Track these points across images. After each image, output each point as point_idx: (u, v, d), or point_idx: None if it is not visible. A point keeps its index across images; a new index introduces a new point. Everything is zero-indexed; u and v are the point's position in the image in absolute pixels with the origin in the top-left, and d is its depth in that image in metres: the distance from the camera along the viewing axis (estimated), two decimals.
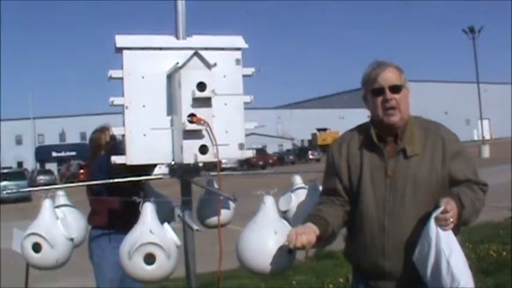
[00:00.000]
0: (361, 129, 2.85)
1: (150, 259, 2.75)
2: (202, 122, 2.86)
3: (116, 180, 4.41)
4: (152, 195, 3.90)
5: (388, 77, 2.70)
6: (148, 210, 2.90)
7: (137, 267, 2.76)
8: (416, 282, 2.60)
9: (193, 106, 2.87)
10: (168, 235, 2.88)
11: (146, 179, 3.57)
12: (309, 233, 2.60)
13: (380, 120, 2.72)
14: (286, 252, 2.73)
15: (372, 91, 2.74)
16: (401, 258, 2.63)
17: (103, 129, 5.10)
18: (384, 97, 2.69)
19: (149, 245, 2.75)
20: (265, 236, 2.76)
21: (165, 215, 3.17)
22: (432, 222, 2.47)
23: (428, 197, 2.63)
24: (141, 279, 2.86)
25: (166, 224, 2.94)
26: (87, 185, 4.52)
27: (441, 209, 2.45)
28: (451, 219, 2.47)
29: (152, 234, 2.78)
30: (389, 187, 2.67)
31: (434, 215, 2.47)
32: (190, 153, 2.90)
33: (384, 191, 2.67)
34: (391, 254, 2.65)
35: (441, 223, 2.46)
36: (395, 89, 2.70)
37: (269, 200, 2.91)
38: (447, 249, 2.45)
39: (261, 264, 2.74)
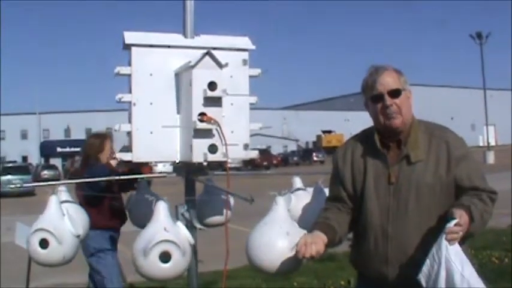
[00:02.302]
0: (365, 134, 2.81)
1: (165, 257, 2.74)
2: (212, 121, 2.86)
3: (120, 177, 4.43)
4: (145, 193, 3.92)
5: (386, 81, 2.63)
6: (161, 208, 2.89)
7: (153, 265, 2.74)
8: None
9: (204, 105, 2.87)
10: (182, 232, 2.88)
11: (150, 177, 3.58)
12: (318, 242, 2.56)
13: (382, 125, 2.67)
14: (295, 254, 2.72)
15: (371, 98, 2.68)
16: (405, 266, 2.59)
17: (103, 136, 5.11)
18: (384, 103, 2.63)
19: (165, 242, 2.74)
20: (277, 236, 2.74)
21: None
22: (444, 238, 2.37)
23: (432, 203, 2.59)
24: (157, 278, 2.84)
25: (179, 222, 2.94)
26: (89, 182, 4.53)
27: (455, 221, 2.35)
28: (460, 233, 2.38)
29: (167, 232, 2.78)
30: (393, 194, 2.62)
31: (447, 227, 2.36)
32: (199, 152, 2.89)
33: (388, 197, 2.63)
34: (394, 261, 2.61)
35: (451, 236, 2.35)
36: (395, 93, 2.63)
37: (281, 201, 2.90)
38: (459, 264, 2.36)
39: (272, 264, 2.71)
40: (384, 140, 2.70)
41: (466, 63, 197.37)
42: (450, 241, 2.36)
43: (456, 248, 2.39)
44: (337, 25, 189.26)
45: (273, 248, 2.71)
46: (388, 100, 2.62)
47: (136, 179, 4.01)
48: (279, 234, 2.74)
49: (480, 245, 8.69)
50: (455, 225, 2.36)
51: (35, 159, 71.45)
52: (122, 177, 4.38)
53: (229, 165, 3.00)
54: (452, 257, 2.37)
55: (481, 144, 77.97)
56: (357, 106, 71.14)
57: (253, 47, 3.16)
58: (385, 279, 2.65)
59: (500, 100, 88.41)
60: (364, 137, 2.81)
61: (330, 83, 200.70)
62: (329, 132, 76.76)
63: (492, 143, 68.42)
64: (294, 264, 2.73)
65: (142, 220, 3.89)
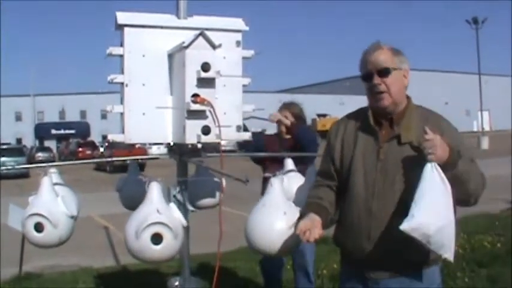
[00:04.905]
0: (360, 111, 2.83)
1: (157, 239, 2.74)
2: (205, 102, 2.85)
3: (115, 158, 4.41)
4: (136, 175, 3.91)
5: (377, 60, 2.62)
6: (154, 189, 2.87)
7: (145, 247, 2.75)
8: (399, 269, 2.60)
9: (197, 86, 2.85)
10: (175, 214, 2.87)
11: (142, 159, 3.56)
12: (318, 226, 2.62)
13: (372, 105, 2.69)
14: (294, 233, 2.74)
15: (362, 77, 2.69)
16: (385, 243, 2.58)
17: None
18: (372, 82, 2.63)
19: (157, 224, 2.74)
20: (276, 217, 2.78)
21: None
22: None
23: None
24: (148, 259, 2.84)
25: (172, 204, 2.93)
26: (89, 163, 4.51)
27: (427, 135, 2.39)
28: (435, 143, 2.38)
29: (160, 214, 2.77)
30: (380, 170, 2.63)
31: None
32: (193, 133, 2.88)
33: (374, 173, 2.63)
34: (376, 238, 2.61)
35: (427, 146, 2.38)
36: (384, 72, 2.61)
37: (276, 182, 2.91)
38: (423, 185, 2.39)
39: (272, 245, 2.75)
40: (377, 117, 2.71)
41: (462, 48, 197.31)
42: (429, 155, 2.39)
43: (433, 174, 2.40)
44: (334, 8, 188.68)
45: (273, 230, 2.74)
46: (376, 79, 2.62)
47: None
48: (277, 215, 2.78)
49: (472, 229, 8.74)
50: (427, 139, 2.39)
51: (29, 141, 71.18)
52: (117, 158, 4.36)
53: (224, 148, 2.99)
54: (421, 179, 2.40)
55: (475, 129, 78.01)
56: (352, 90, 71.15)
57: (247, 28, 3.14)
58: (365, 254, 2.64)
59: (495, 86, 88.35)
60: (358, 114, 2.83)
61: (325, 66, 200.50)
62: (324, 116, 76.61)
63: (486, 128, 68.61)
64: (293, 243, 2.79)
65: (133, 202, 3.89)
